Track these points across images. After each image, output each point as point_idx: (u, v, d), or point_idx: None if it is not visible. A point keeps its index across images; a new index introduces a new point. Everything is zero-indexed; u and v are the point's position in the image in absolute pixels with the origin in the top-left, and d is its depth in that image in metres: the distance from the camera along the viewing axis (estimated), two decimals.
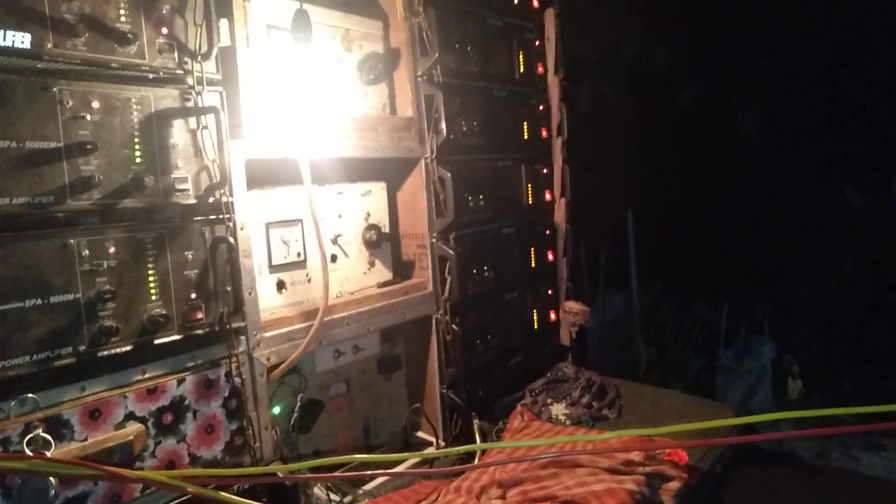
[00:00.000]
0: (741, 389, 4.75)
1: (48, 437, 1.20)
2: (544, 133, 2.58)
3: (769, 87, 5.23)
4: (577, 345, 2.66)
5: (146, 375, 1.37)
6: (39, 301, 1.21)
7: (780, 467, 3.87)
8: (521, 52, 2.45)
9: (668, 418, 2.15)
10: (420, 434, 2.18)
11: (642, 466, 1.69)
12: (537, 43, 2.56)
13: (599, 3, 4.73)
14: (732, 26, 5.06)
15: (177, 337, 1.40)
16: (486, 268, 2.26)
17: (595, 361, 2.63)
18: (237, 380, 1.49)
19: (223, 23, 1.51)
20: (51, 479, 1.14)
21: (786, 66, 5.13)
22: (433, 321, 2.10)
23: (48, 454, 1.17)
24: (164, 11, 1.40)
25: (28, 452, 1.15)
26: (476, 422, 2.09)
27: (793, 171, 5.35)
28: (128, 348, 1.32)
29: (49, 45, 1.23)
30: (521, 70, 2.46)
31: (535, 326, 2.53)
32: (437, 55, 2.03)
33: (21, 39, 1.19)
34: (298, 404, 1.75)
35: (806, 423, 3.15)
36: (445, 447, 2.10)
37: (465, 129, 2.18)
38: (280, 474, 1.43)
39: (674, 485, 1.67)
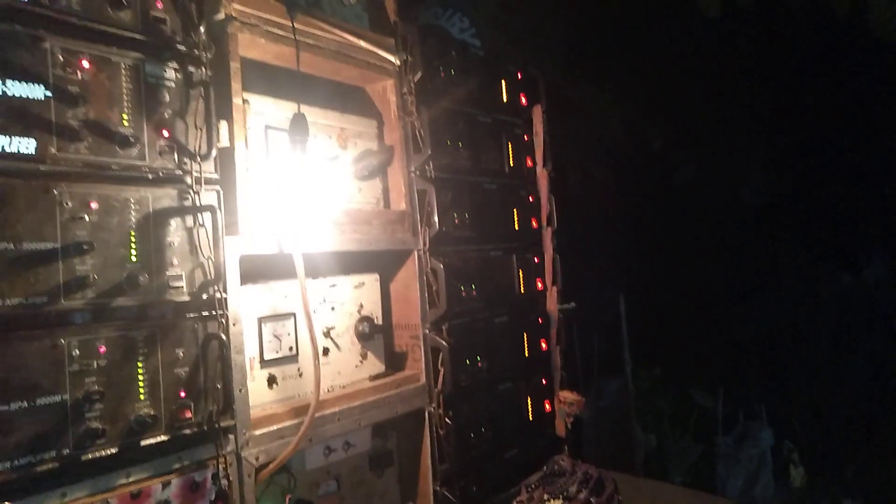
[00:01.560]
0: (742, 478, 4.63)
1: None
2: (534, 223, 2.63)
3: (768, 156, 5.35)
4: (572, 436, 2.61)
5: (130, 479, 1.32)
6: (25, 403, 1.19)
7: None
8: (510, 147, 2.54)
9: None
10: None
11: None
12: (526, 137, 2.65)
13: (586, 92, 4.93)
14: (718, 107, 5.25)
15: (164, 438, 1.37)
16: (479, 358, 2.25)
17: (591, 449, 2.57)
18: (224, 482, 1.45)
19: (223, 125, 1.56)
20: None
21: (781, 145, 5.29)
22: (426, 415, 2.06)
23: None
24: (166, 115, 1.45)
25: None
26: None
27: (784, 253, 5.43)
28: (113, 451, 1.29)
29: (52, 150, 1.27)
30: (511, 164, 2.54)
31: (530, 418, 2.49)
32: (429, 152, 2.10)
33: (26, 145, 1.23)
34: None
35: None
36: None
37: (456, 221, 2.22)
38: None
39: None
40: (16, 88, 1.22)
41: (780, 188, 5.36)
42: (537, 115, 2.71)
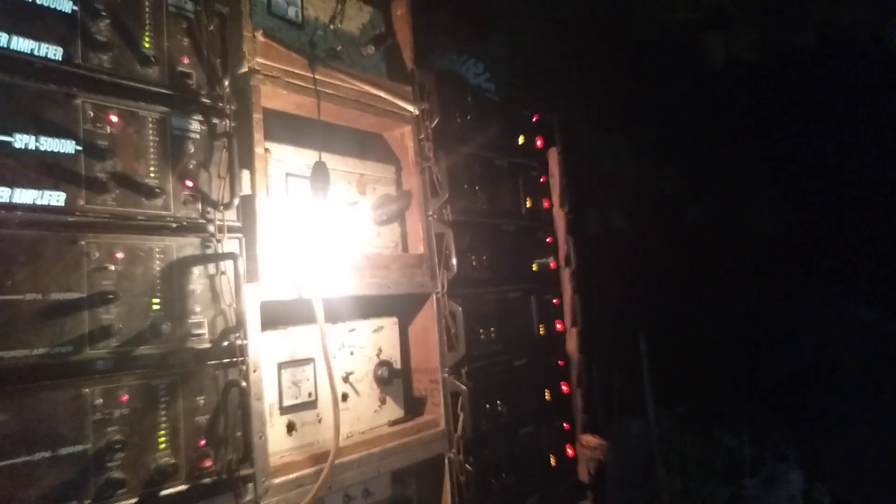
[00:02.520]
0: None
1: None
2: (552, 264, 2.63)
3: (780, 202, 5.33)
4: (595, 481, 2.55)
5: None
6: (48, 454, 1.20)
7: None
8: (526, 189, 2.56)
9: None
10: None
11: None
12: (542, 179, 2.67)
13: (600, 136, 4.97)
14: (730, 149, 5.26)
15: (183, 487, 1.37)
16: (499, 402, 2.22)
17: (614, 492, 2.51)
18: None
19: (245, 174, 1.60)
20: None
21: (799, 181, 5.27)
22: (446, 461, 2.04)
23: None
24: (191, 166, 1.49)
25: None
26: None
27: (806, 290, 5.35)
28: (133, 501, 1.29)
29: (81, 202, 1.30)
30: (528, 205, 2.55)
31: (552, 463, 2.44)
32: (447, 196, 2.12)
33: (56, 198, 1.27)
34: None
35: None
36: None
37: (474, 263, 2.23)
38: None
39: None
40: (48, 144, 1.26)
41: (800, 222, 5.32)
42: (553, 157, 2.73)
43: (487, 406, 2.18)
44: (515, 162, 2.54)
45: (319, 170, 1.68)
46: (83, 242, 1.30)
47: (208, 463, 1.41)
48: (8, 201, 1.20)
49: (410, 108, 2.09)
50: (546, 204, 2.68)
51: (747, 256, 5.43)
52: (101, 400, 1.28)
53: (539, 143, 2.70)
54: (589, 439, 2.48)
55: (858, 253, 5.24)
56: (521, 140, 2.62)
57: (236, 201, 1.55)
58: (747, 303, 5.39)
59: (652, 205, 5.53)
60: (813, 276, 5.37)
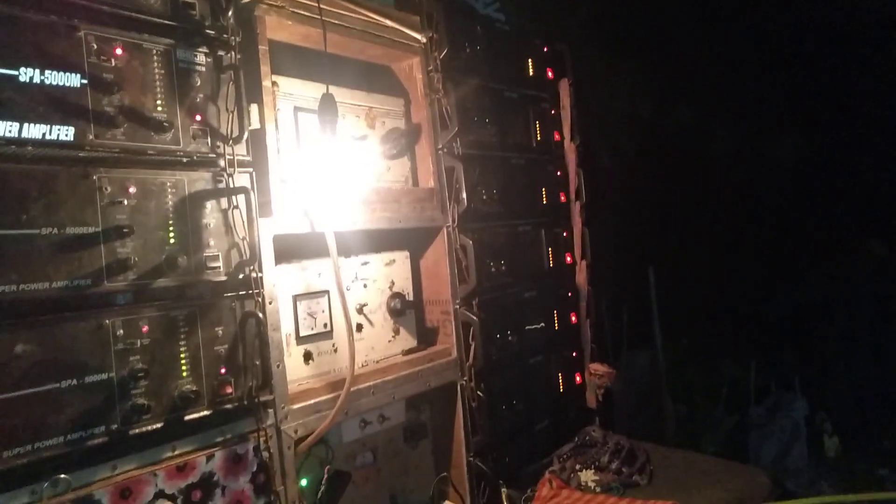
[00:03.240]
0: (775, 448, 4.61)
1: None
2: (563, 198, 2.63)
3: (795, 137, 5.24)
4: (603, 407, 2.62)
5: (176, 452, 1.38)
6: (74, 381, 1.24)
7: None
8: (537, 122, 2.53)
9: (700, 484, 2.10)
10: (448, 503, 2.15)
11: None
12: (553, 112, 2.63)
13: (614, 68, 4.85)
14: (754, 79, 5.13)
15: (206, 412, 1.42)
16: (509, 332, 2.27)
17: (622, 422, 2.59)
18: (265, 454, 1.50)
19: (253, 107, 1.58)
20: None
21: (812, 116, 5.16)
22: (458, 388, 2.10)
23: None
24: (198, 100, 1.48)
25: None
26: (504, 490, 2.05)
27: (818, 224, 5.32)
28: (159, 425, 1.34)
29: (90, 137, 1.30)
30: (538, 138, 2.53)
31: (561, 390, 2.51)
32: (456, 129, 2.10)
33: (65, 133, 1.27)
34: (325, 476, 1.74)
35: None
36: None
37: (485, 197, 2.23)
38: None
39: None
40: (53, 77, 1.25)
41: (812, 155, 5.23)
42: (564, 88, 2.68)
43: (498, 336, 2.22)
44: (526, 94, 2.50)
45: (327, 102, 1.66)
46: (95, 177, 1.30)
47: (229, 390, 1.45)
48: (17, 136, 1.20)
49: (418, 35, 2.05)
50: (557, 137, 2.65)
51: (759, 192, 5.38)
52: (123, 331, 1.31)
53: (550, 74, 2.65)
54: (597, 367, 2.53)
55: (871, 188, 5.17)
56: (531, 71, 2.56)
57: (245, 135, 1.55)
58: (757, 237, 5.37)
59: (663, 138, 5.46)
60: (824, 210, 5.32)
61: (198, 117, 1.47)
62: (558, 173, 2.62)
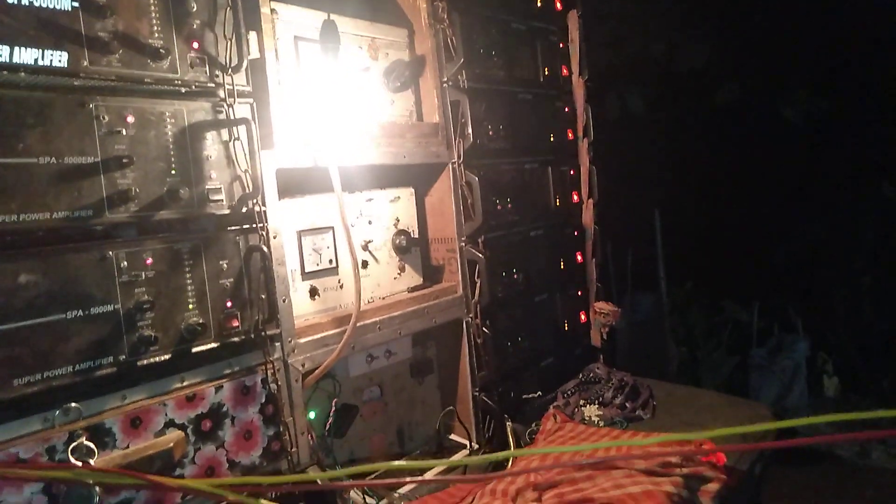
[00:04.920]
0: (775, 388, 4.67)
1: (91, 445, 1.22)
2: (570, 135, 2.57)
3: (804, 82, 5.12)
4: (607, 346, 2.64)
5: (185, 383, 1.39)
6: (80, 312, 1.23)
7: (820, 467, 3.79)
8: (545, 55, 2.45)
9: (703, 419, 2.13)
10: (453, 437, 2.18)
11: (680, 468, 1.67)
12: (561, 45, 2.55)
13: (625, 5, 4.71)
14: (766, 22, 4.98)
15: (214, 345, 1.42)
16: (515, 270, 2.26)
17: (624, 363, 2.61)
18: (273, 386, 1.51)
19: (252, 36, 1.53)
20: (95, 487, 1.16)
21: (821, 60, 5.03)
22: (464, 325, 2.10)
23: (92, 462, 1.20)
24: (195, 26, 1.42)
25: (73, 461, 1.18)
26: (509, 424, 2.08)
27: (826, 167, 5.24)
28: (166, 357, 1.35)
29: (85, 63, 1.25)
30: (546, 73, 2.46)
31: (566, 328, 2.52)
32: (462, 61, 2.04)
33: (59, 58, 1.22)
34: (333, 409, 1.77)
35: (846, 426, 3.08)
36: (479, 450, 2.09)
37: (491, 133, 2.18)
38: (319, 482, 1.44)
39: (713, 486, 1.65)
40: None
41: (823, 104, 5.11)
42: (573, 20, 2.59)
43: (504, 274, 2.21)
44: (534, 25, 2.41)
45: (329, 28, 1.61)
46: (92, 105, 1.27)
47: (235, 323, 1.45)
48: (8, 61, 1.16)
49: None
50: (565, 72, 2.58)
51: (766, 137, 5.28)
52: (127, 263, 1.30)
53: (558, 5, 2.56)
54: (602, 305, 2.54)
55: (879, 133, 5.06)
56: (539, 2, 2.47)
57: (245, 64, 1.50)
58: (763, 182, 5.30)
59: (674, 82, 5.34)
60: (831, 154, 5.23)
61: (195, 45, 1.42)
62: (566, 110, 2.55)
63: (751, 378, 4.76)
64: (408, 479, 1.71)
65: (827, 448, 3.98)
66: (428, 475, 1.81)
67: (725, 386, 4.69)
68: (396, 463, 1.44)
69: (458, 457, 2.08)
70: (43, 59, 1.20)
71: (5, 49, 1.15)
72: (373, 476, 1.69)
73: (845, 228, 5.32)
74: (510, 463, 1.91)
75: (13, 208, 1.16)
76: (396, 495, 1.74)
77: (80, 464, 1.18)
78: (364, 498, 1.68)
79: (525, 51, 2.38)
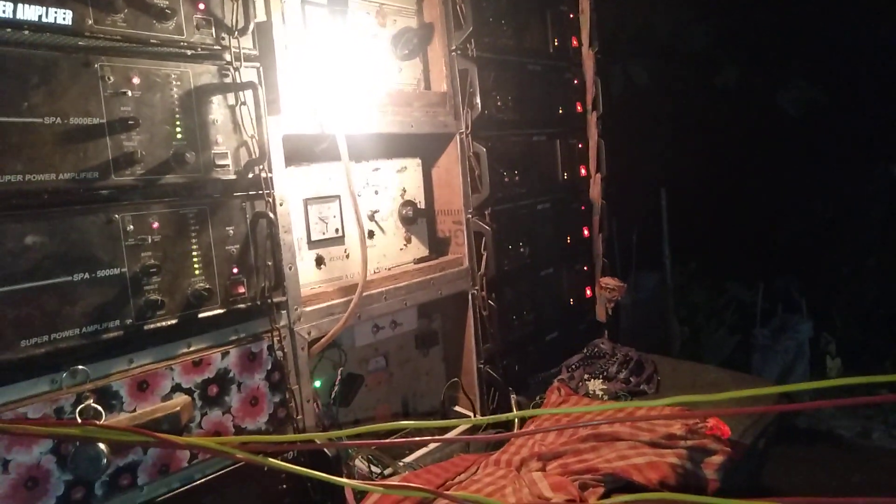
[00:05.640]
0: (778, 367, 4.68)
1: (99, 407, 1.23)
2: (579, 108, 2.54)
3: (811, 62, 5.07)
4: (612, 321, 2.64)
5: (191, 348, 1.39)
6: (87, 275, 1.23)
7: (821, 446, 3.81)
8: (555, 26, 2.41)
9: (706, 392, 2.12)
10: (458, 409, 2.19)
11: (684, 440, 1.67)
12: (571, 16, 2.51)
13: None
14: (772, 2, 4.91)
15: (220, 311, 1.42)
16: (521, 244, 2.24)
17: (628, 341, 2.61)
18: (279, 353, 1.51)
19: None
20: (102, 447, 1.17)
21: (829, 41, 4.97)
22: (469, 297, 2.10)
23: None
24: None
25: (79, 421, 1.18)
26: (513, 396, 2.09)
27: (833, 147, 5.20)
28: (173, 322, 1.34)
29: (90, 22, 1.23)
30: (556, 44, 2.42)
31: (571, 302, 2.51)
32: (471, 29, 2.00)
33: (63, 16, 1.20)
34: (339, 378, 1.77)
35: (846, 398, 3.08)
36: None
37: (499, 103, 2.15)
38: (318, 441, 1.44)
39: (717, 459, 1.65)
40: None
41: (825, 86, 5.05)
42: None
43: (510, 247, 2.20)
44: None
45: None
46: (97, 65, 1.25)
47: (242, 290, 1.45)
48: (12, 17, 1.14)
49: None
50: (575, 43, 2.54)
51: (771, 116, 5.23)
52: (133, 226, 1.29)
53: None
54: (608, 281, 2.53)
55: (883, 113, 5.00)
56: None
57: (251, 27, 1.47)
58: (768, 161, 5.27)
59: (681, 61, 5.28)
60: (835, 134, 5.18)
61: (201, 6, 1.39)
62: (575, 82, 2.52)
63: (753, 358, 4.77)
64: (412, 440, 1.70)
65: (828, 428, 3.99)
66: (433, 437, 1.82)
67: (727, 365, 4.69)
68: (403, 423, 1.43)
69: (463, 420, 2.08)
70: (47, 16, 1.18)
71: (8, 5, 1.13)
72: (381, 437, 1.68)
73: (850, 209, 5.29)
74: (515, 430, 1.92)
75: (18, 168, 1.15)
76: (400, 464, 1.74)
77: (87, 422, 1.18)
78: (369, 466, 1.68)
79: (535, 21, 2.34)
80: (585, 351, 2.39)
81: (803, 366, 4.65)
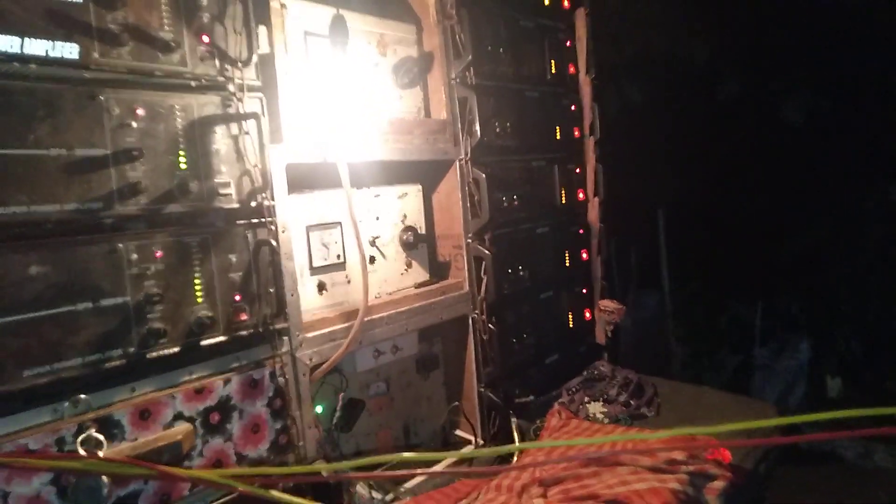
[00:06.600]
0: (779, 388, 4.67)
1: (100, 437, 1.23)
2: (576, 133, 2.57)
3: (810, 79, 5.11)
4: (612, 343, 2.64)
5: (193, 376, 1.39)
6: (90, 304, 1.24)
7: (823, 467, 3.79)
8: (552, 53, 2.45)
9: (708, 417, 2.12)
10: (459, 433, 2.18)
11: (685, 465, 1.67)
12: (568, 43, 2.55)
13: (629, 2, 4.70)
14: (770, 18, 4.97)
15: (222, 338, 1.42)
16: (521, 267, 2.26)
17: (627, 362, 2.62)
18: (281, 380, 1.51)
19: (262, 30, 1.53)
20: (103, 478, 1.17)
21: (828, 58, 5.02)
22: (470, 321, 2.10)
23: (101, 454, 1.20)
24: (205, 19, 1.42)
25: (82, 452, 1.18)
26: (514, 420, 2.09)
27: (832, 167, 5.23)
28: (175, 350, 1.35)
29: (95, 55, 1.26)
30: (553, 71, 2.45)
31: (571, 325, 2.52)
32: (469, 57, 2.04)
33: (70, 50, 1.23)
34: (340, 403, 1.77)
35: (850, 425, 3.07)
36: (484, 446, 2.10)
37: (498, 130, 2.18)
38: (325, 473, 1.44)
39: (718, 484, 1.65)
40: None
41: (825, 104, 5.10)
42: (580, 18, 2.59)
43: (510, 271, 2.21)
44: (541, 23, 2.41)
45: (338, 23, 1.61)
46: (102, 98, 1.27)
47: (244, 317, 1.45)
48: (20, 52, 1.16)
49: None
50: (572, 70, 2.57)
51: (769, 135, 5.26)
52: (136, 255, 1.30)
53: (566, 2, 2.55)
54: (607, 303, 2.53)
55: (884, 133, 5.04)
56: (547, 0, 2.47)
57: (255, 59, 1.50)
58: (767, 181, 5.29)
59: (677, 79, 5.32)
60: (835, 153, 5.21)
61: (205, 38, 1.42)
62: (573, 107, 2.55)
63: (754, 378, 4.76)
64: (411, 471, 1.70)
65: (830, 449, 3.97)
66: (437, 468, 1.81)
67: (728, 385, 4.69)
68: (406, 455, 1.43)
69: (464, 451, 2.07)
70: (54, 50, 1.21)
71: (16, 40, 1.15)
72: (382, 469, 1.68)
73: (851, 228, 5.30)
74: (515, 458, 1.91)
75: (23, 199, 1.16)
76: (402, 489, 1.74)
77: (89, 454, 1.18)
78: (371, 492, 1.68)
79: (532, 48, 2.37)
80: (585, 373, 2.39)
81: (803, 386, 4.64)
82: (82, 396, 1.23)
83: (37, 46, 1.18)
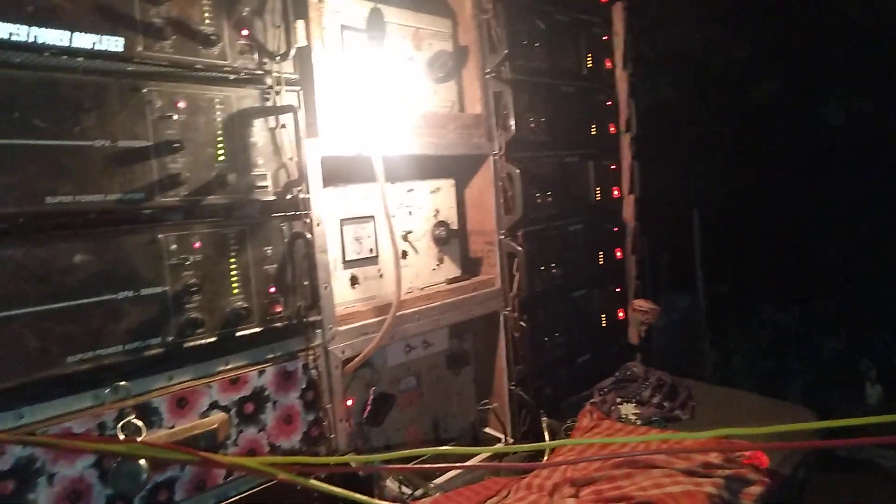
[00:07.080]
0: (814, 393, 4.56)
1: (140, 423, 1.25)
2: (612, 129, 2.54)
3: (851, 80, 4.98)
4: (645, 344, 2.61)
5: (229, 366, 1.41)
6: (131, 293, 1.26)
7: (861, 475, 3.69)
8: (588, 48, 2.42)
9: (744, 421, 2.08)
10: (488, 430, 2.18)
11: (721, 469, 1.64)
12: (605, 38, 2.52)
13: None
14: (811, 16, 4.85)
15: (257, 329, 1.44)
16: (553, 265, 2.24)
17: (660, 361, 2.58)
18: (314, 372, 1.53)
19: (300, 24, 1.54)
20: (143, 463, 1.19)
21: (869, 59, 4.88)
22: (501, 318, 2.09)
23: (139, 440, 1.23)
24: (245, 13, 1.44)
25: (122, 437, 1.21)
26: (544, 419, 2.07)
27: (872, 169, 5.09)
28: (212, 340, 1.37)
29: (139, 48, 1.28)
30: (589, 65, 2.43)
31: (603, 325, 2.49)
32: (505, 52, 2.02)
33: (115, 43, 1.25)
34: (371, 397, 1.78)
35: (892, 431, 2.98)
36: (514, 444, 2.08)
37: (532, 125, 2.16)
38: (353, 464, 1.45)
39: (755, 489, 1.61)
40: None
41: (866, 106, 4.96)
42: (617, 12, 2.55)
43: (542, 268, 2.19)
44: (578, 17, 2.38)
45: (375, 17, 1.61)
46: (145, 90, 1.29)
47: (279, 309, 1.47)
48: (69, 45, 1.18)
49: None
50: (608, 64, 2.54)
51: (808, 137, 5.14)
52: (176, 246, 1.32)
53: None
54: (641, 303, 2.50)
55: None
56: None
57: (292, 52, 1.51)
58: (805, 183, 5.16)
59: (714, 77, 5.23)
60: (876, 155, 5.06)
61: (244, 32, 1.44)
62: (608, 103, 2.52)
63: (788, 383, 4.65)
64: (442, 465, 1.70)
65: (866, 457, 3.87)
66: (472, 461, 1.81)
67: (761, 390, 4.59)
68: (440, 448, 1.43)
69: (497, 447, 2.07)
70: (100, 43, 1.23)
71: (66, 34, 1.18)
72: (416, 462, 1.68)
73: (891, 231, 5.15)
74: (546, 457, 1.90)
75: (69, 189, 1.19)
76: (431, 485, 1.74)
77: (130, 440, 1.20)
78: (400, 487, 1.68)
79: (568, 43, 2.35)
80: (618, 374, 2.36)
81: (841, 392, 4.52)
82: (122, 383, 1.25)
83: (84, 40, 1.20)
